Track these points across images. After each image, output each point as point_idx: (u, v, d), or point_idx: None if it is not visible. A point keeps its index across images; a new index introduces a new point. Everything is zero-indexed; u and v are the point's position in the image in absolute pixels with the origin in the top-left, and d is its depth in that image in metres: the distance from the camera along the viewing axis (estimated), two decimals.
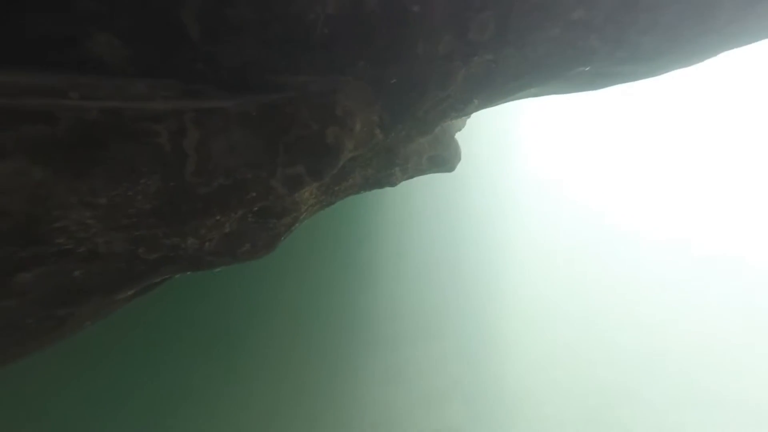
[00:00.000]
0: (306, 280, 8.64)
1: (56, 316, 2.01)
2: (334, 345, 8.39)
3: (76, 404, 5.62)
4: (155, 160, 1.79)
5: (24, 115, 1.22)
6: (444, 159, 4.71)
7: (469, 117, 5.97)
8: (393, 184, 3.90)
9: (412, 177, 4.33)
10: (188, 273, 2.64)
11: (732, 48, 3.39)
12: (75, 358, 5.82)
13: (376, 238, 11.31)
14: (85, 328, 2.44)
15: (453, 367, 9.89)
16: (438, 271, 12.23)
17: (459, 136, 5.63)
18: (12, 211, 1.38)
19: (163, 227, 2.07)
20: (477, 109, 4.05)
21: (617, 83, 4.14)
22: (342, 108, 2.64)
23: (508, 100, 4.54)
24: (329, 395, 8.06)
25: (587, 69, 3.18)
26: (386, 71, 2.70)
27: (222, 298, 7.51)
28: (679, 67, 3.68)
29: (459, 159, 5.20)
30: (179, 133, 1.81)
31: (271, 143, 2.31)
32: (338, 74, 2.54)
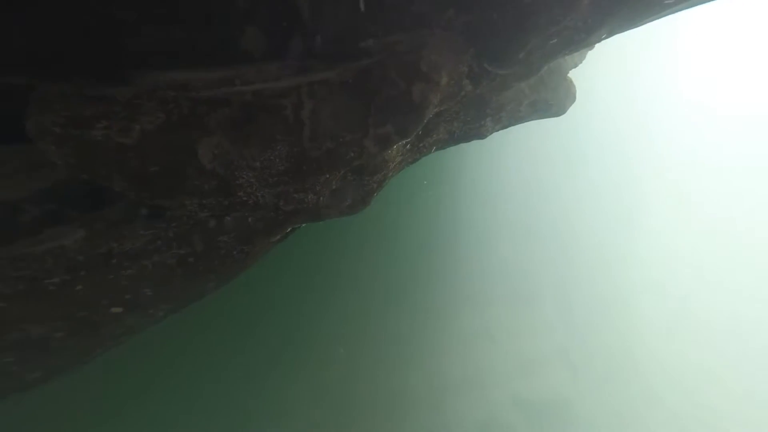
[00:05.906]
0: (399, 236, 8.90)
1: (244, 251, 2.97)
2: (424, 301, 8.86)
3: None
4: (284, 130, 2.32)
5: (216, 102, 1.83)
6: (549, 104, 4.04)
7: (591, 48, 4.74)
8: (482, 137, 3.68)
9: (506, 127, 3.93)
10: (310, 223, 3.36)
11: None
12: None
13: (469, 191, 10.55)
14: (256, 263, 3.48)
15: (556, 332, 8.89)
16: (537, 229, 10.67)
17: (573, 73, 4.58)
18: (217, 174, 2.12)
19: (292, 184, 2.70)
20: (605, 38, 3.21)
21: None
22: (427, 63, 2.63)
23: (655, 19, 3.36)
24: (418, 348, 8.57)
25: None
26: (478, 15, 2.47)
27: (326, 256, 8.05)
28: None
29: (572, 101, 4.32)
30: (298, 106, 2.27)
31: (365, 106, 2.58)
32: (425, 28, 2.50)
